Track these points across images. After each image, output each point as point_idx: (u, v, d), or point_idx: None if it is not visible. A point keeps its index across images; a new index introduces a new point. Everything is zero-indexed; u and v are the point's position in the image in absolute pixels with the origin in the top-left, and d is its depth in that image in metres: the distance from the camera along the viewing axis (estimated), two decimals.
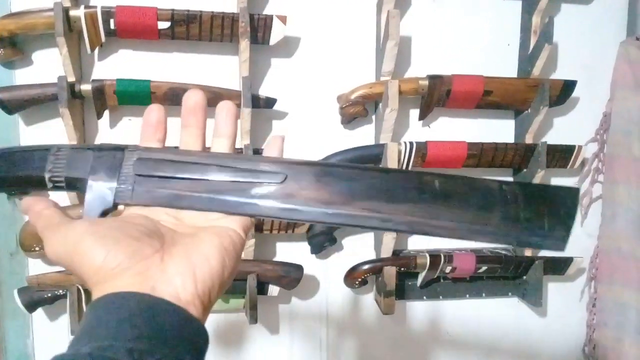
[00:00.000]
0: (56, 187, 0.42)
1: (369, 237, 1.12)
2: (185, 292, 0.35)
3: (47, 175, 0.42)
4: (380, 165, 1.03)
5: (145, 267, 0.36)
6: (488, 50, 1.11)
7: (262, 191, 0.41)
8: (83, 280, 0.37)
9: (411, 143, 1.03)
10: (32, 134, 0.98)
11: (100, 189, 0.41)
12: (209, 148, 0.46)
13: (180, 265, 0.37)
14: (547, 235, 0.41)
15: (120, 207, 0.42)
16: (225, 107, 0.48)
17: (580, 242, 1.19)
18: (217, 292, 0.38)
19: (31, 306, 0.99)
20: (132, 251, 0.36)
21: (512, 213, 0.41)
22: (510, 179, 1.15)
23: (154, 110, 0.46)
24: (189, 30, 0.94)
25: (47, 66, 0.96)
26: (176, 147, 0.45)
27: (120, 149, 0.42)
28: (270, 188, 0.41)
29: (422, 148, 1.03)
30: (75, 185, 0.42)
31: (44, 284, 0.97)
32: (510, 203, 0.41)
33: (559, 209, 0.42)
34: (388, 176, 0.42)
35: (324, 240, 1.05)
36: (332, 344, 1.14)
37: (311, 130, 1.07)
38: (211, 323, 1.06)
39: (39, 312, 1.03)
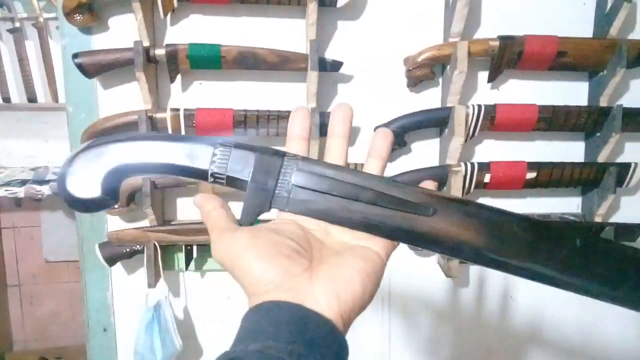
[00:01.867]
0: (216, 182, 0.44)
1: None
2: (330, 310, 0.38)
3: (210, 171, 0.43)
4: (448, 125, 1.03)
5: (295, 285, 0.39)
6: (562, 9, 1.06)
7: (412, 222, 0.43)
8: (241, 285, 0.41)
9: (479, 106, 1.01)
10: (110, 96, 1.03)
11: (258, 194, 0.43)
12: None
13: (325, 286, 0.39)
14: None
15: None
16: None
17: None
18: (357, 313, 0.41)
19: (111, 260, 1.06)
20: (285, 269, 0.40)
21: None
22: (582, 144, 1.12)
23: (299, 117, 0.49)
24: None
25: (122, 31, 1.00)
26: (333, 164, 0.45)
27: (280, 155, 0.44)
28: (420, 219, 0.43)
29: (490, 111, 1.01)
30: (235, 184, 0.44)
31: (123, 239, 1.03)
32: None
33: None
34: (531, 226, 0.43)
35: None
36: (395, 306, 1.16)
37: (377, 93, 1.06)
38: None
39: (118, 266, 1.09)
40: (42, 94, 2.13)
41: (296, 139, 0.49)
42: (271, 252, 0.41)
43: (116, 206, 1.02)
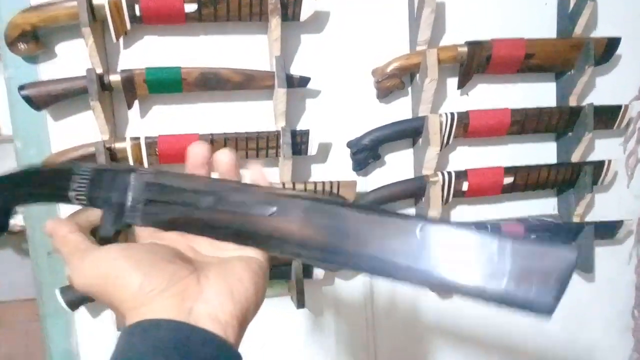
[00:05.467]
0: (80, 204, 0.46)
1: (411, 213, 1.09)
2: (224, 312, 0.35)
3: (71, 194, 0.45)
4: (422, 135, 1.00)
5: (182, 288, 0.36)
6: (524, 11, 1.06)
7: (252, 224, 0.42)
8: (115, 306, 0.37)
9: (452, 114, 0.99)
10: (61, 129, 0.95)
11: (113, 210, 0.44)
12: None
13: (217, 286, 0.37)
14: (534, 300, 0.37)
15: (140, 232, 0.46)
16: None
17: (628, 204, 1.16)
18: (252, 315, 0.39)
19: (74, 304, 0.98)
20: (170, 273, 0.36)
21: (500, 270, 0.37)
22: (554, 144, 1.11)
23: (198, 150, 0.46)
24: (217, 11, 0.90)
25: (72, 59, 0.93)
26: (183, 174, 0.46)
27: (131, 170, 0.45)
28: (259, 220, 0.41)
29: (463, 118, 0.99)
30: (97, 203, 0.45)
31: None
32: (500, 259, 0.37)
33: (551, 272, 0.37)
34: (372, 216, 0.40)
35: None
36: (379, 323, 1.12)
37: (346, 107, 1.03)
38: None
39: (82, 309, 1.01)
40: (2, 125, 2.02)
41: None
42: (150, 258, 0.37)
43: None
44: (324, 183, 0.97)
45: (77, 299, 0.97)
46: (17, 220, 1.87)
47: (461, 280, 0.37)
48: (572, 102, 1.04)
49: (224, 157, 0.46)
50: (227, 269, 0.39)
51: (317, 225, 0.40)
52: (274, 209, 0.41)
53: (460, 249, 0.38)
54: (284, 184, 0.97)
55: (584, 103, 1.03)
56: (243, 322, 0.37)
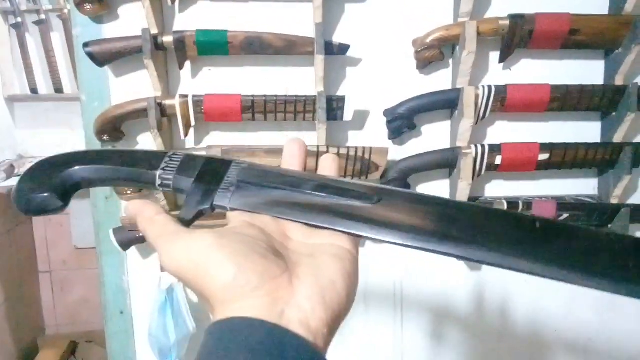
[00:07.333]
0: (163, 186, 0.44)
1: (444, 184, 1.11)
2: (315, 318, 0.34)
3: (158, 173, 0.44)
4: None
5: (274, 288, 0.34)
6: None
7: (355, 210, 0.41)
8: (204, 295, 0.36)
9: (489, 87, 0.99)
10: (121, 85, 1.04)
11: (200, 191, 0.43)
12: None
13: (309, 289, 0.35)
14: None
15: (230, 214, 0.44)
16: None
17: None
18: (342, 320, 0.37)
19: (125, 245, 1.08)
20: (263, 270, 0.35)
21: (620, 261, 0.38)
22: (599, 124, 1.09)
23: (295, 145, 0.47)
24: None
25: (132, 19, 1.01)
26: (278, 167, 0.46)
27: (228, 162, 0.45)
28: (364, 208, 0.41)
29: (501, 92, 0.99)
30: (181, 187, 0.44)
31: (136, 225, 1.05)
32: (618, 251, 0.38)
33: None
34: (481, 210, 0.41)
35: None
36: (407, 286, 1.16)
37: (386, 76, 1.06)
38: None
39: (133, 250, 1.11)
40: (69, 84, 2.18)
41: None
42: (244, 250, 0.36)
43: (128, 192, 1.04)
44: (356, 148, 1.01)
45: (128, 240, 1.08)
46: None
47: (583, 268, 0.38)
48: (619, 81, 1.01)
49: (327, 163, 0.47)
50: (319, 269, 0.37)
51: (427, 213, 0.40)
52: (379, 197, 0.41)
53: (579, 239, 0.39)
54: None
55: (631, 83, 1.00)
56: (333, 329, 0.35)
